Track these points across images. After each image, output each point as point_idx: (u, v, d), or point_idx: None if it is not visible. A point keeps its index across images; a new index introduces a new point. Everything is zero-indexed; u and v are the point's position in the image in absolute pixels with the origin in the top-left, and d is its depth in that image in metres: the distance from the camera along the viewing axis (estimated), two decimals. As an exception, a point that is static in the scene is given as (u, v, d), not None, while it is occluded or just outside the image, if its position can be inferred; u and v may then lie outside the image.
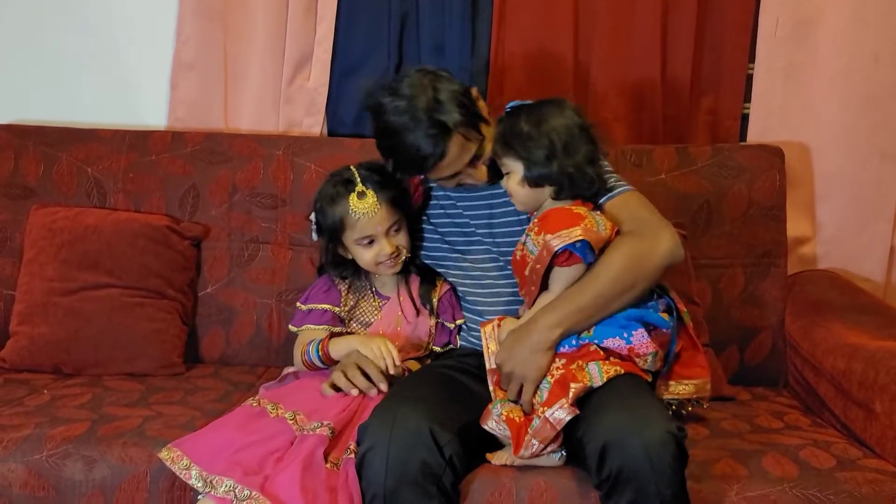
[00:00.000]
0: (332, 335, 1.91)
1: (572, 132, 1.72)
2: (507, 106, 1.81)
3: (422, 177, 1.98)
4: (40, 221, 2.28)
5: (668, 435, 1.51)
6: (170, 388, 2.09)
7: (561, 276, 1.71)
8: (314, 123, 2.58)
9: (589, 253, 1.68)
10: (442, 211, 2.02)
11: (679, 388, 1.81)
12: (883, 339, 1.97)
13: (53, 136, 2.42)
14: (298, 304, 2.03)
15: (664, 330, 1.74)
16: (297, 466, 1.59)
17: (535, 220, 1.74)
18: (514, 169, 1.75)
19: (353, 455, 1.63)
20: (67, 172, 2.38)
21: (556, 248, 1.65)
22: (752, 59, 2.51)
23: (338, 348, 1.87)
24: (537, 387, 1.68)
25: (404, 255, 1.95)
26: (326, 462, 1.64)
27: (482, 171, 1.85)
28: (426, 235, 2.04)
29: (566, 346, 1.69)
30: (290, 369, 2.02)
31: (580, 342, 1.70)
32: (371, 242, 1.91)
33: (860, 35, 2.43)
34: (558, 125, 1.72)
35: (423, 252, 2.04)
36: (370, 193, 1.88)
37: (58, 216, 2.28)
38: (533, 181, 1.73)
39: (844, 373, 1.93)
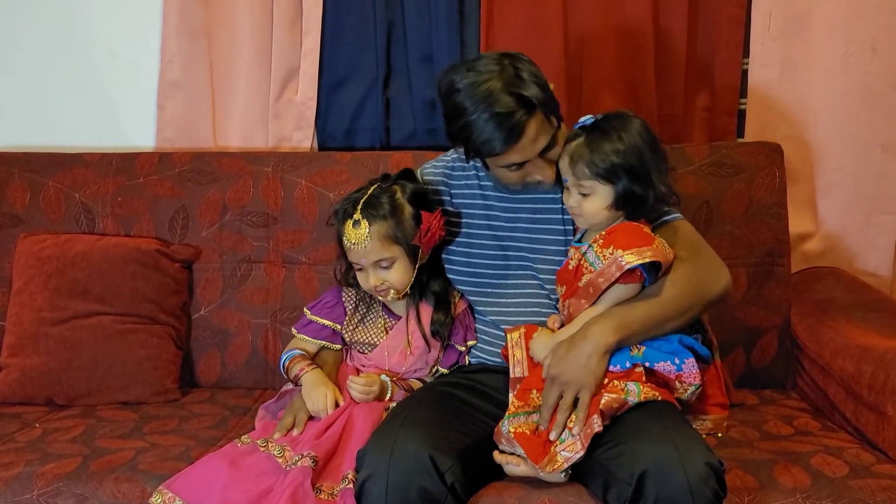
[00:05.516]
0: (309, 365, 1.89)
1: (658, 152, 1.68)
2: (577, 125, 1.72)
3: (447, 207, 1.93)
4: (28, 250, 2.24)
5: (710, 469, 1.47)
6: (164, 415, 2.06)
7: (614, 293, 1.66)
8: (304, 138, 2.55)
9: (652, 275, 1.64)
10: (482, 212, 1.93)
11: (696, 423, 1.77)
12: (892, 337, 1.92)
13: (39, 162, 2.38)
14: (306, 309, 1.98)
15: (706, 364, 1.72)
16: (284, 503, 1.56)
17: (602, 234, 1.68)
18: (600, 192, 1.67)
19: (350, 485, 1.59)
20: (55, 199, 2.34)
21: (628, 266, 1.61)
22: (746, 54, 2.46)
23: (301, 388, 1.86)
24: (593, 394, 1.61)
25: (392, 294, 1.86)
26: (320, 493, 1.60)
27: (552, 168, 1.75)
28: (451, 248, 1.95)
29: (617, 366, 1.64)
30: (287, 386, 1.97)
31: (631, 362, 1.64)
32: (361, 269, 1.86)
33: (856, 26, 2.39)
34: (645, 146, 1.66)
35: (445, 265, 1.95)
36: (364, 224, 1.78)
37: (46, 244, 2.24)
38: (622, 205, 1.67)
39: (854, 375, 1.88)
